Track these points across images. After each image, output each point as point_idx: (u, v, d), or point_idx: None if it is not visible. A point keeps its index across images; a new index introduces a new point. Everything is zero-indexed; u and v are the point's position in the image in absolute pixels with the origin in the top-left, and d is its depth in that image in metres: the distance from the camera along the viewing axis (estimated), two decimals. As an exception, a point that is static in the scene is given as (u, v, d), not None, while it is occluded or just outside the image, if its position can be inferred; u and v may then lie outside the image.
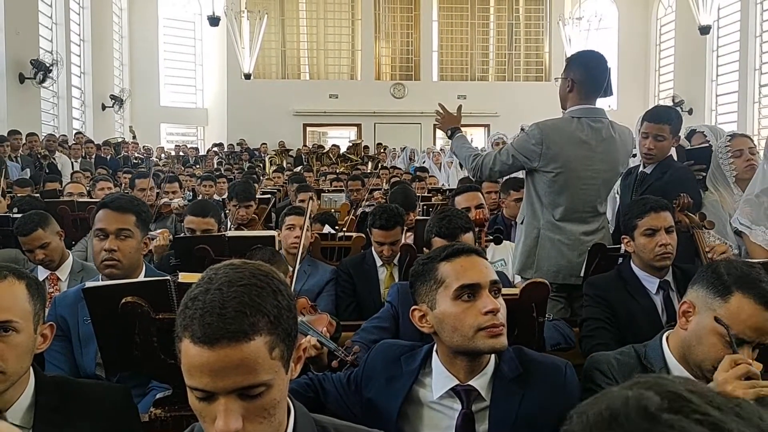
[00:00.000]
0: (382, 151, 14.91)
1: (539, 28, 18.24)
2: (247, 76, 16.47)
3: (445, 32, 18.21)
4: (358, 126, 17.84)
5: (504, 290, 1.55)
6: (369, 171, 10.84)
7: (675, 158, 3.22)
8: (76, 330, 2.14)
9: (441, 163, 10.15)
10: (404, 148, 12.44)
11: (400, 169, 10.21)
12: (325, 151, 15.50)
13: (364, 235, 3.67)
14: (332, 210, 5.45)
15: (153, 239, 3.07)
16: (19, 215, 3.26)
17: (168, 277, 1.70)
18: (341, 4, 18.01)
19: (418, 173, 8.23)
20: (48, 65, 11.06)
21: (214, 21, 15.58)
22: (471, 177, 3.24)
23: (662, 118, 3.00)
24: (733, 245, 2.79)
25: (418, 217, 3.94)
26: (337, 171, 11.38)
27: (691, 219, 2.54)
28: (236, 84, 16.95)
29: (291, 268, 2.52)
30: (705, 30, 13.49)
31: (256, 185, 6.11)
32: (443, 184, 8.29)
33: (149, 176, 5.16)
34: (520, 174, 3.20)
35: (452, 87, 17.08)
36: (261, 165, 13.70)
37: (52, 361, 2.08)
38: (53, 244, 2.92)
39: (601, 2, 17.38)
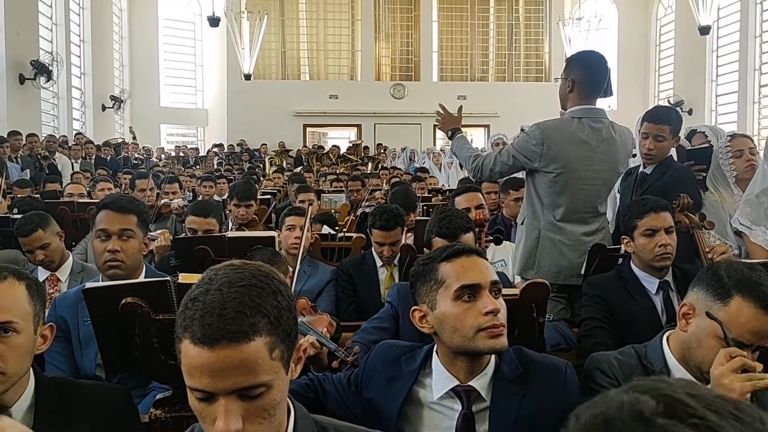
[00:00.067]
0: (382, 151, 14.92)
1: (539, 28, 18.24)
2: (247, 77, 16.47)
3: (445, 32, 18.21)
4: (358, 126, 17.84)
5: (504, 291, 1.54)
6: (369, 171, 10.84)
7: (675, 158, 3.22)
8: (76, 331, 2.14)
9: (441, 164, 10.15)
10: (404, 148, 12.45)
11: (400, 169, 10.20)
12: (325, 151, 15.49)
13: (364, 236, 3.67)
14: (332, 210, 5.45)
15: (153, 240, 3.08)
16: (19, 216, 3.26)
17: (168, 278, 1.70)
18: (341, 4, 18.01)
19: (418, 174, 8.23)
20: (48, 66, 11.06)
21: (214, 21, 15.58)
22: (471, 177, 3.24)
23: (662, 119, 3.00)
24: (733, 245, 2.79)
25: (418, 218, 3.94)
26: (337, 171, 11.38)
27: (691, 219, 2.54)
28: (236, 84, 16.95)
29: (291, 269, 2.52)
30: (705, 30, 13.49)
31: (256, 186, 6.11)
32: (443, 185, 8.29)
33: (149, 177, 5.16)
34: (520, 174, 3.20)
35: (452, 87, 17.08)
36: (261, 165, 13.70)
37: (52, 362, 2.08)
38: (53, 244, 2.92)
39: (601, 2, 17.38)
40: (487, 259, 1.57)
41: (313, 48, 18.13)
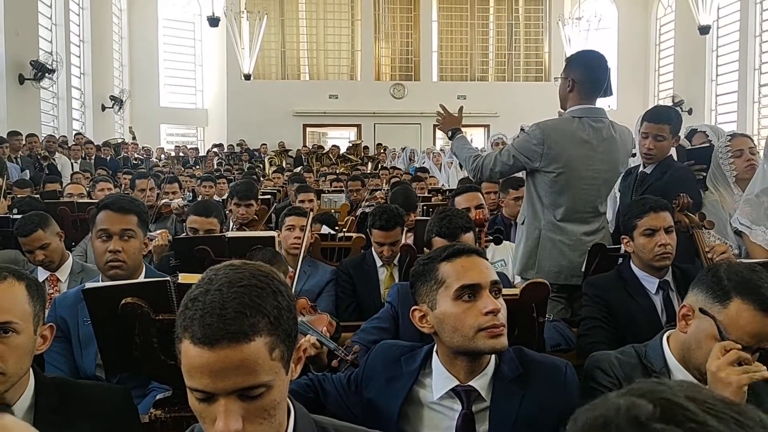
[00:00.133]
0: (382, 151, 14.91)
1: (539, 28, 18.24)
2: (247, 77, 16.47)
3: (444, 32, 18.21)
4: (358, 126, 17.84)
5: (504, 290, 1.54)
6: (369, 171, 10.84)
7: (675, 158, 3.22)
8: (76, 331, 2.14)
9: (441, 164, 10.15)
10: (404, 148, 12.45)
11: (400, 169, 10.20)
12: (324, 151, 15.48)
13: (364, 236, 3.67)
14: (332, 210, 5.45)
15: (152, 240, 3.08)
16: (19, 216, 3.26)
17: (168, 278, 1.70)
18: (341, 4, 18.01)
19: (418, 173, 8.23)
20: (48, 66, 11.05)
21: (213, 21, 15.57)
22: (471, 178, 3.24)
23: (662, 118, 3.00)
24: (733, 245, 2.79)
25: (418, 218, 3.94)
26: (337, 171, 11.38)
27: (691, 219, 2.54)
28: (236, 84, 16.95)
29: (291, 269, 2.52)
30: (705, 30, 13.49)
31: (257, 185, 6.11)
32: (443, 185, 8.29)
33: (149, 177, 5.16)
34: (520, 174, 3.20)
35: (452, 87, 17.08)
36: (261, 165, 13.70)
37: (52, 362, 2.08)
38: (53, 245, 2.92)
39: (600, 2, 17.38)
40: (487, 259, 1.57)
41: (313, 48, 18.13)
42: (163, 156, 14.53)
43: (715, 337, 1.49)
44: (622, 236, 2.42)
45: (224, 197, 5.34)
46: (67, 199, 4.75)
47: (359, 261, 3.20)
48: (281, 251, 2.98)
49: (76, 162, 9.60)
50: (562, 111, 2.95)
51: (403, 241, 3.18)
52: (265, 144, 16.08)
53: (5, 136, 8.23)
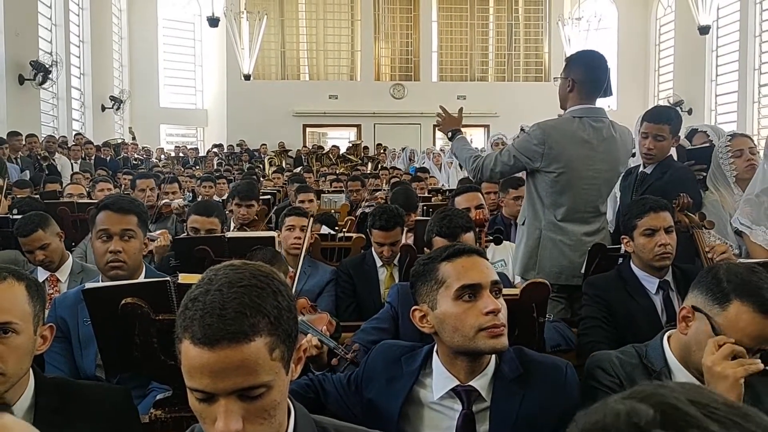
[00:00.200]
0: (381, 151, 14.92)
1: (539, 28, 18.24)
2: (247, 77, 16.47)
3: (444, 33, 18.21)
4: (358, 127, 17.84)
5: (504, 290, 1.54)
6: (369, 172, 10.84)
7: (676, 158, 3.22)
8: (76, 331, 2.14)
9: (441, 164, 10.16)
10: (404, 148, 12.45)
11: (399, 169, 10.20)
12: (324, 151, 15.49)
13: (364, 236, 3.67)
14: (332, 211, 5.45)
15: (153, 240, 3.07)
16: (19, 216, 3.26)
17: (168, 278, 1.70)
18: (341, 4, 18.01)
19: (418, 174, 8.23)
20: (47, 66, 11.05)
21: (213, 22, 15.57)
22: (471, 178, 3.24)
23: (662, 118, 3.00)
24: (734, 245, 2.79)
25: (418, 218, 3.94)
26: (337, 172, 11.38)
27: (691, 219, 2.54)
28: (236, 85, 16.95)
29: (291, 269, 2.52)
30: (704, 30, 13.49)
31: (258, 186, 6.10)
32: (443, 185, 8.29)
33: (150, 177, 5.16)
34: (520, 174, 3.20)
35: (452, 87, 17.09)
36: (261, 166, 13.70)
37: (52, 363, 2.08)
38: (53, 245, 2.92)
39: (600, 2, 17.38)
40: (487, 259, 1.57)
41: (313, 48, 18.13)
42: (162, 156, 14.53)
43: (711, 335, 1.49)
44: (622, 236, 2.42)
45: (224, 197, 5.34)
46: (67, 200, 4.75)
47: (359, 261, 3.20)
48: (281, 251, 2.97)
49: (75, 162, 9.60)
50: (562, 114, 2.95)
51: (403, 242, 3.18)
52: (265, 144, 16.08)
53: (5, 137, 8.23)
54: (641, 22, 17.75)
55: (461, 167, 6.40)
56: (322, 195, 6.41)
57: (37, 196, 5.11)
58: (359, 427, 1.20)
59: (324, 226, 3.99)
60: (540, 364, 1.54)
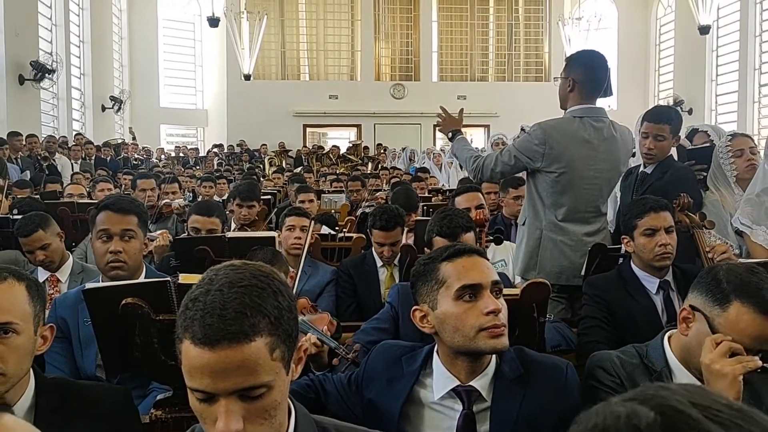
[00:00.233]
0: (382, 151, 14.91)
1: (539, 28, 18.24)
2: (247, 77, 16.47)
3: (444, 33, 18.21)
4: (358, 127, 17.84)
5: (505, 290, 1.54)
6: (369, 172, 10.83)
7: (676, 158, 3.22)
8: (77, 331, 2.14)
9: (441, 164, 10.15)
10: (404, 148, 12.44)
11: (400, 169, 10.20)
12: (325, 151, 15.49)
13: (364, 236, 3.67)
14: (332, 211, 5.45)
15: (152, 240, 3.08)
16: (19, 217, 3.26)
17: (168, 278, 1.70)
18: (341, 4, 18.01)
19: (418, 174, 8.23)
20: (48, 66, 11.05)
21: (213, 22, 15.57)
22: (472, 178, 3.24)
23: (662, 118, 3.00)
24: (734, 245, 2.79)
25: (418, 218, 3.94)
26: (337, 172, 11.38)
27: (692, 219, 2.54)
28: (236, 85, 16.95)
29: (291, 269, 2.52)
30: (705, 30, 13.48)
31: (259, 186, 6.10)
32: (443, 185, 8.28)
33: (151, 177, 5.16)
34: (521, 174, 3.19)
35: (452, 87, 17.09)
36: (261, 166, 13.70)
37: (52, 363, 2.08)
38: (54, 245, 2.92)
39: (600, 2, 17.38)
40: (488, 259, 1.56)
41: (313, 48, 18.13)
42: (163, 156, 14.53)
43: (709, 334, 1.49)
44: (623, 236, 2.41)
45: (224, 197, 5.34)
46: (68, 200, 4.75)
47: (359, 261, 3.20)
48: (281, 251, 2.97)
49: (76, 162, 9.61)
50: (565, 111, 2.95)
51: (403, 242, 3.18)
52: (265, 144, 16.08)
53: (5, 137, 8.24)
54: (641, 22, 17.74)
55: (461, 167, 6.40)
56: (323, 195, 6.41)
57: (38, 196, 5.11)
58: (360, 427, 1.20)
59: (324, 227, 3.98)
60: (540, 364, 1.54)
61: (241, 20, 16.30)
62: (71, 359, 2.14)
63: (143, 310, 1.61)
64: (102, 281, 2.16)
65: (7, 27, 10.27)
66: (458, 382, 1.48)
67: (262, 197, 5.12)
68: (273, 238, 2.84)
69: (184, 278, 1.67)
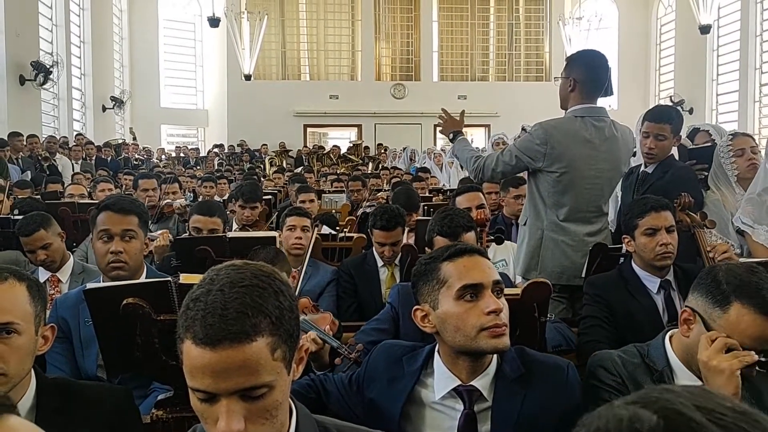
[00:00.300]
0: (382, 151, 14.91)
1: (539, 28, 18.23)
2: (248, 77, 16.47)
3: (445, 32, 18.21)
4: (359, 127, 17.84)
5: (506, 290, 1.54)
6: (370, 172, 10.83)
7: (677, 157, 3.22)
8: (78, 332, 2.14)
9: (442, 164, 10.15)
10: (405, 148, 12.44)
11: (400, 169, 10.20)
12: (325, 151, 15.49)
13: (365, 236, 3.66)
14: (333, 211, 5.45)
15: (153, 240, 3.08)
16: (20, 217, 3.27)
17: (169, 278, 1.70)
18: (341, 4, 18.01)
19: (419, 174, 8.22)
20: (48, 67, 11.06)
21: (214, 22, 15.58)
22: (473, 178, 3.23)
23: (663, 118, 3.00)
24: (735, 244, 2.78)
25: (419, 218, 3.93)
26: (338, 172, 11.38)
27: (692, 218, 2.53)
28: (236, 85, 16.95)
29: (293, 269, 2.52)
30: (705, 29, 13.48)
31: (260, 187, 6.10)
32: (444, 185, 8.28)
33: (152, 177, 5.16)
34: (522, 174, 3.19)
35: (452, 87, 17.10)
36: (261, 166, 13.70)
37: (53, 363, 2.08)
38: (55, 244, 2.92)
39: (601, 2, 17.37)
40: (489, 259, 1.56)
41: (314, 48, 18.13)
42: (163, 157, 14.53)
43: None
44: (624, 236, 2.41)
45: (225, 197, 5.34)
46: (68, 200, 4.75)
47: (360, 261, 3.20)
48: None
49: (76, 163, 9.61)
50: (566, 111, 2.94)
51: (404, 242, 3.18)
52: (266, 144, 16.08)
53: (6, 137, 8.24)
54: (642, 22, 17.74)
55: (462, 167, 6.40)
56: (323, 195, 6.41)
57: (38, 196, 5.11)
58: (361, 427, 1.19)
59: (325, 226, 3.98)
60: (541, 364, 1.53)
61: (242, 20, 16.30)
62: (72, 359, 2.14)
63: (144, 310, 1.61)
64: (103, 281, 2.16)
65: (8, 27, 10.27)
66: (459, 382, 1.48)
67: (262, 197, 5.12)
68: (274, 238, 2.83)
69: (185, 278, 1.67)
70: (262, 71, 17.55)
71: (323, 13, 17.99)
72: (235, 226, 4.05)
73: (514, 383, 1.49)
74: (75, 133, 12.73)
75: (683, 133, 3.48)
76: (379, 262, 3.13)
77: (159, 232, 3.34)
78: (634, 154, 3.23)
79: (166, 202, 4.73)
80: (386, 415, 1.53)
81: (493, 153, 3.06)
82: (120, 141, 13.78)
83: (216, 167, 12.52)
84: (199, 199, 5.91)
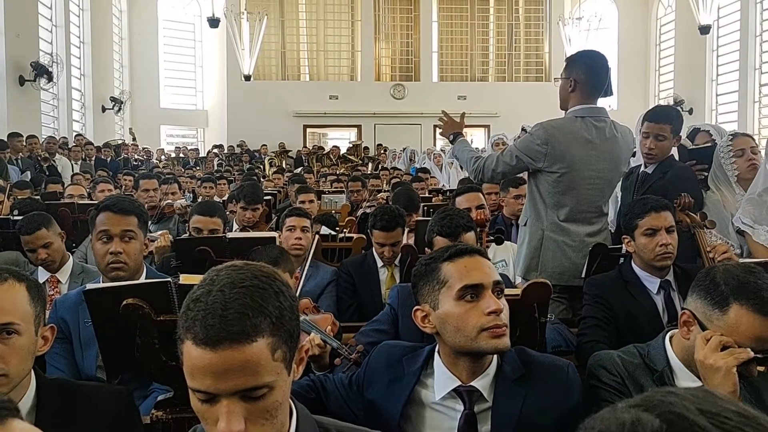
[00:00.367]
0: (382, 152, 14.91)
1: (539, 28, 18.24)
2: (247, 78, 16.48)
3: (444, 33, 18.21)
4: (358, 127, 17.84)
5: (506, 291, 1.54)
6: (369, 172, 10.83)
7: (677, 158, 3.22)
8: (77, 332, 2.14)
9: (442, 164, 10.15)
10: (405, 149, 12.44)
11: (400, 170, 10.20)
12: (325, 152, 15.50)
13: (364, 237, 3.66)
14: (332, 211, 5.45)
15: (153, 241, 3.07)
16: (20, 218, 3.27)
17: (169, 279, 1.70)
18: (341, 5, 18.01)
19: (418, 174, 8.22)
20: (48, 67, 11.06)
21: (213, 22, 15.58)
22: (473, 179, 3.23)
23: (663, 118, 3.00)
24: (735, 245, 2.78)
25: (419, 218, 3.93)
26: (338, 172, 11.38)
27: (692, 218, 2.53)
28: (236, 85, 16.95)
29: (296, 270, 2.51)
30: (705, 30, 13.50)
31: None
32: (443, 185, 8.28)
33: (153, 177, 5.16)
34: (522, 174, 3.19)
35: (452, 88, 17.10)
36: (261, 166, 13.70)
37: (53, 364, 2.08)
38: (55, 244, 2.93)
39: (600, 2, 17.38)
40: (489, 259, 1.56)
41: (313, 48, 18.13)
42: (163, 157, 14.53)
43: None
44: (623, 236, 2.41)
45: (224, 198, 5.33)
46: (68, 201, 4.75)
47: (360, 261, 3.20)
48: (282, 252, 2.97)
49: (76, 163, 9.62)
50: (566, 111, 2.94)
51: (404, 242, 3.18)
52: (266, 145, 16.07)
53: (5, 138, 8.24)
54: (642, 22, 17.75)
55: (462, 168, 6.40)
56: (323, 195, 6.41)
57: (38, 197, 5.11)
58: (361, 427, 1.19)
59: (324, 227, 3.98)
60: (542, 365, 1.53)
61: (242, 21, 16.31)
62: (72, 360, 2.14)
63: (144, 311, 1.61)
64: (102, 282, 2.15)
65: (8, 28, 10.27)
66: (459, 383, 1.48)
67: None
68: (273, 238, 2.83)
69: (185, 279, 1.67)
70: (262, 72, 17.55)
71: (323, 13, 18.00)
72: (235, 226, 4.04)
73: (514, 384, 1.48)
74: (74, 133, 12.74)
75: (683, 134, 3.48)
76: (379, 263, 3.13)
77: (159, 232, 3.34)
78: (634, 155, 3.23)
79: (166, 202, 4.73)
80: (386, 416, 1.52)
81: (493, 153, 3.06)
82: (119, 141, 13.79)
83: (215, 168, 12.52)
84: (199, 200, 5.91)
